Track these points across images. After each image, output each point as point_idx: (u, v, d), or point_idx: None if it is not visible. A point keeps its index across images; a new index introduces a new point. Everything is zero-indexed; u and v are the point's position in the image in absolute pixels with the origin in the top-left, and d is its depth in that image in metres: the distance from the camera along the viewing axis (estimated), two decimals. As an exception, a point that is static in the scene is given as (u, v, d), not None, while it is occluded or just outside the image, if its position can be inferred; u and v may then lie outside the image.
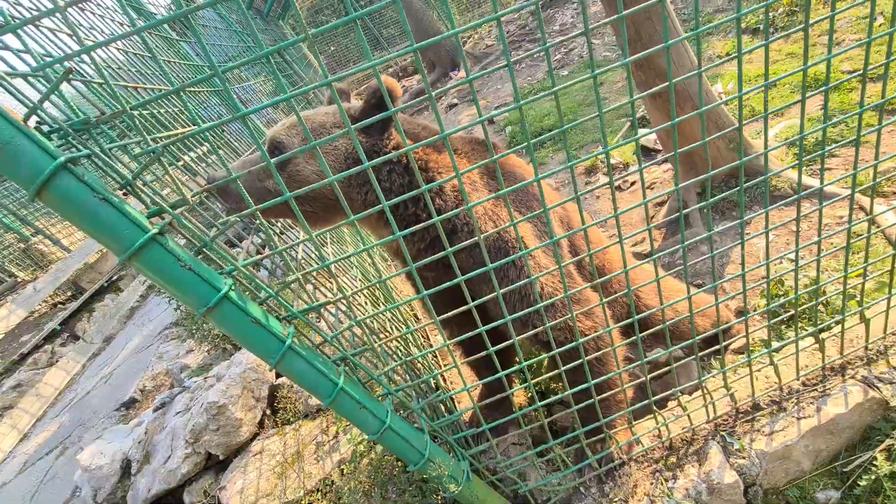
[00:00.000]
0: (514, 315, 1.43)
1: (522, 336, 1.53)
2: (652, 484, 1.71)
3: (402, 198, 1.18)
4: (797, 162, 1.42)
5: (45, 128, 0.96)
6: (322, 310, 1.71)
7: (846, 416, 1.71)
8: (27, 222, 9.32)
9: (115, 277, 8.68)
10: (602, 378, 1.64)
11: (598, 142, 5.74)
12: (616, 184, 5.19)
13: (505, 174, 1.81)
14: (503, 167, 1.85)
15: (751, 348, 2.37)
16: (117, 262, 1.02)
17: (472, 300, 1.35)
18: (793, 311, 1.68)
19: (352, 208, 1.57)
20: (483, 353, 1.49)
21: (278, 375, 3.09)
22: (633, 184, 4.79)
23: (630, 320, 1.80)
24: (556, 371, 1.58)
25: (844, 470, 1.72)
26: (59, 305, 8.65)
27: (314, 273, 1.45)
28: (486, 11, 19.01)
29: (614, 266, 2.23)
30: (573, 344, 1.55)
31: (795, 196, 1.44)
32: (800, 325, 2.28)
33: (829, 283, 1.84)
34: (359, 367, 1.40)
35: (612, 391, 1.76)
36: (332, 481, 2.18)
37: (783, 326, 2.38)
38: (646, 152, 5.07)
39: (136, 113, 0.95)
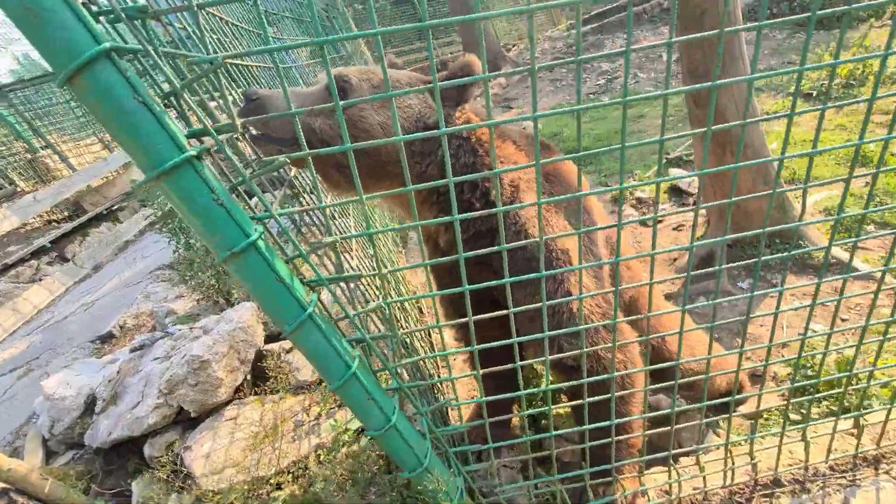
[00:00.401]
0: (552, 333, 1.29)
1: (548, 358, 1.39)
2: (653, 542, 1.58)
3: (470, 177, 1.05)
4: (840, 242, 1.27)
5: (95, 8, 0.82)
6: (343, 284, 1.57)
7: (875, 513, 1.58)
8: (39, 134, 9.14)
9: (115, 207, 8.50)
10: (625, 419, 1.50)
11: (630, 173, 5.62)
12: (642, 217, 5.09)
13: (560, 180, 1.67)
14: (559, 171, 1.72)
15: (769, 418, 2.24)
16: (142, 179, 0.88)
17: (501, 307, 1.22)
18: (822, 392, 1.55)
19: (391, 178, 1.43)
20: (503, 367, 1.35)
21: (267, 340, 2.94)
22: (660, 220, 4.67)
23: (662, 365, 1.66)
24: (575, 402, 1.45)
25: (861, 570, 1.58)
26: (52, 223, 8.48)
27: (340, 242, 1.30)
28: (536, 22, 18.95)
29: (646, 304, 2.11)
30: (604, 377, 1.41)
31: (836, 275, 1.31)
32: (827, 405, 2.16)
33: (865, 370, 1.71)
34: (374, 354, 1.26)
35: (631, 434, 1.63)
36: (307, 466, 2.04)
37: (807, 402, 2.25)
38: (678, 192, 4.95)
39: (201, 13, 0.81)
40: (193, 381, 2.33)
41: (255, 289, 1.02)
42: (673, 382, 1.58)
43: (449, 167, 1.01)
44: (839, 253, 3.57)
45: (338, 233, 1.07)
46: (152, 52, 0.85)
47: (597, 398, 1.44)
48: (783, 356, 2.90)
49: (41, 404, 2.64)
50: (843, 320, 3.07)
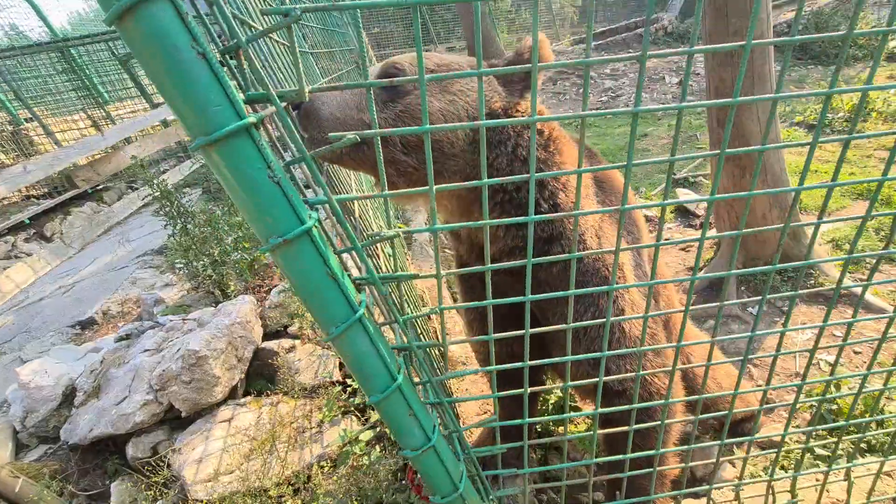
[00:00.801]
0: (611, 353, 1.18)
1: (602, 379, 1.28)
2: (689, 582, 1.47)
3: (549, 174, 0.93)
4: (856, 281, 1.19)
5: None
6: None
7: (921, 562, 1.50)
8: (25, 104, 8.77)
9: (101, 186, 8.16)
10: (657, 451, 1.39)
11: (635, 190, 5.59)
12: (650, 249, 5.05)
13: (613, 189, 1.58)
14: (611, 180, 1.62)
15: (790, 452, 2.17)
16: (192, 145, 0.74)
17: (537, 323, 1.10)
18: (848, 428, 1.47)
19: (445, 175, 1.31)
20: (540, 388, 1.24)
21: (266, 338, 2.77)
22: (666, 239, 4.64)
23: (692, 398, 1.57)
24: (619, 430, 1.34)
25: None
26: (31, 199, 8.09)
27: (402, 236, 1.17)
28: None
29: (676, 325, 2.02)
30: (654, 403, 1.31)
31: (879, 315, 1.22)
32: (850, 442, 2.09)
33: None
34: (420, 365, 1.13)
35: (669, 466, 1.52)
36: (309, 477, 1.88)
37: (832, 437, 2.18)
38: (684, 213, 4.92)
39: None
40: (188, 378, 2.16)
41: (303, 284, 0.89)
42: (713, 415, 1.48)
43: (533, 164, 0.89)
44: (849, 283, 3.56)
45: (374, 228, 0.94)
46: (216, -4, 0.71)
47: (644, 425, 1.33)
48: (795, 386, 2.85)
49: (15, 392, 2.43)
50: (855, 353, 3.04)
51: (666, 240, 4.11)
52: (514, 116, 1.26)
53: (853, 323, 1.24)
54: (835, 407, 2.40)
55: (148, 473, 1.99)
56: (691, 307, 1.27)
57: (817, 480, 1.59)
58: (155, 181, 3.08)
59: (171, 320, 2.78)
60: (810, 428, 1.39)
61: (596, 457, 1.39)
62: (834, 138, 0.96)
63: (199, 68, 0.69)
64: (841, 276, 1.16)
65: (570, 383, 1.24)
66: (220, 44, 0.78)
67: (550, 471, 2.13)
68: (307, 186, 1.07)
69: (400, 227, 0.89)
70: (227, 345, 2.34)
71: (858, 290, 3.46)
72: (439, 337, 2.84)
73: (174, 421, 2.31)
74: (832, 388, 2.48)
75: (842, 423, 1.44)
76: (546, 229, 1.34)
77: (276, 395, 2.36)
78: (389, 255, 2.39)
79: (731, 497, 1.59)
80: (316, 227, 0.88)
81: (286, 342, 2.69)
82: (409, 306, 1.94)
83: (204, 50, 0.69)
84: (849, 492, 1.58)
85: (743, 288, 3.69)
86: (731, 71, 3.08)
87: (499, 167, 1.27)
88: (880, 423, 2.16)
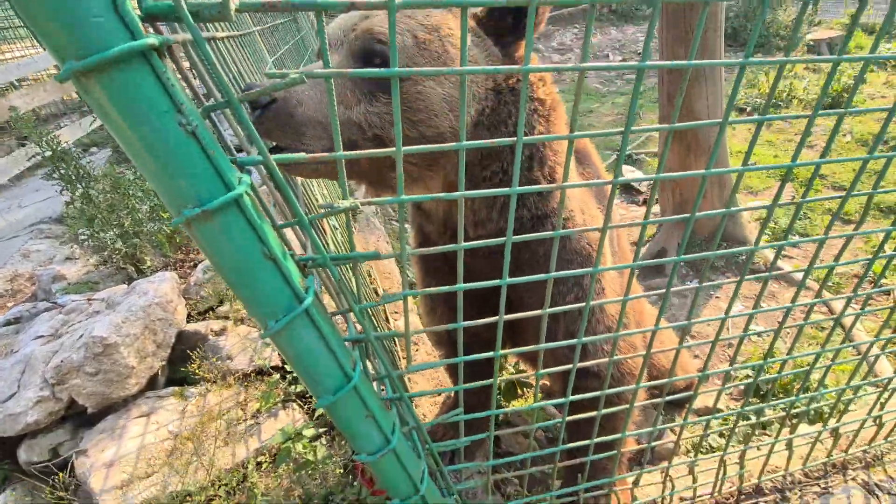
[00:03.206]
0: (589, 339, 1.09)
1: (563, 368, 1.19)
2: (645, 559, 1.47)
3: (541, 137, 0.78)
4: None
5: None
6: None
7: (847, 521, 1.61)
8: None
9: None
10: (623, 434, 1.35)
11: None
12: (623, 233, 5.13)
13: (589, 161, 1.47)
14: (587, 151, 1.52)
15: (726, 420, 2.28)
16: (60, 73, 0.51)
17: (509, 309, 0.99)
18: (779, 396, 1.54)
19: (441, 163, 1.12)
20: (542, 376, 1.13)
21: (191, 320, 2.47)
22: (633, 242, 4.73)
23: (660, 382, 1.55)
24: (589, 415, 1.28)
25: (830, 576, 1.61)
26: None
27: (360, 208, 0.98)
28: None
29: (640, 315, 2.03)
30: (625, 389, 1.25)
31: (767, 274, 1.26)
32: (781, 409, 2.22)
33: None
34: (377, 358, 0.97)
35: (629, 447, 1.50)
36: (245, 476, 1.69)
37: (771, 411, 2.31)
38: (628, 189, 5.04)
39: None
40: (93, 370, 1.85)
41: (231, 267, 0.69)
42: (676, 397, 1.47)
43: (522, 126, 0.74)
44: (771, 257, 3.82)
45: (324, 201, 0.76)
46: None
47: (613, 409, 1.28)
48: (727, 354, 3.03)
49: None
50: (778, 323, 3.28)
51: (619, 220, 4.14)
52: (516, 89, 1.09)
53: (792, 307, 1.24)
54: (785, 381, 2.55)
55: (47, 480, 1.70)
56: (643, 285, 1.21)
57: (759, 451, 1.65)
58: (45, 138, 2.57)
59: (72, 300, 2.39)
60: (763, 405, 1.41)
61: (553, 442, 1.33)
62: (792, 115, 0.90)
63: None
64: (774, 260, 1.14)
65: (543, 371, 1.14)
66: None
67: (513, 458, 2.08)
68: (239, 150, 0.85)
69: (357, 199, 0.71)
70: (144, 329, 2.04)
71: (788, 270, 3.71)
72: (395, 325, 2.68)
73: (79, 417, 2.00)
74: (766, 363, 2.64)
75: (780, 400, 1.47)
76: (539, 206, 1.21)
77: (204, 385, 2.10)
78: (335, 229, 2.17)
79: (685, 471, 1.61)
80: (248, 193, 0.67)
81: (215, 324, 2.41)
82: (363, 291, 1.76)
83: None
84: (789, 459, 1.65)
85: (682, 264, 3.85)
86: (683, 48, 3.08)
87: (500, 150, 1.11)
88: (815, 396, 2.33)
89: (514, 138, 0.74)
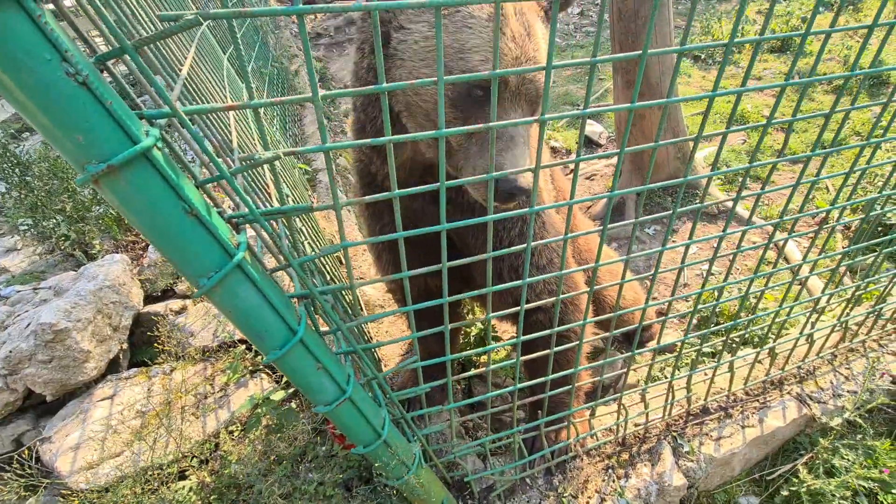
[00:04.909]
0: (534, 279, 1.13)
1: (510, 310, 1.23)
2: (604, 481, 1.59)
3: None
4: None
5: None
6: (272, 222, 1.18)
7: (783, 430, 1.76)
8: None
9: None
10: (576, 369, 1.43)
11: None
12: (558, 169, 5.20)
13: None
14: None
15: (692, 357, 2.43)
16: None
17: (459, 256, 1.02)
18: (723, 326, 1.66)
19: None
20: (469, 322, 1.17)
21: (148, 301, 2.41)
22: (570, 171, 4.79)
23: (606, 316, 1.63)
24: (540, 354, 1.34)
25: (768, 478, 1.78)
26: None
27: (281, 162, 0.96)
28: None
29: (591, 253, 2.09)
30: (574, 325, 1.31)
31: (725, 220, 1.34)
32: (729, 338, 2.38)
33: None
34: (325, 312, 0.98)
35: (585, 381, 1.59)
36: (217, 445, 1.71)
37: (714, 337, 2.46)
38: (588, 143, 5.09)
39: None
40: (46, 357, 1.80)
41: (151, 225, 0.68)
42: (622, 331, 1.54)
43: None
44: (728, 204, 3.97)
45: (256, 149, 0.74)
46: None
47: (563, 347, 1.35)
48: (682, 292, 3.18)
49: None
50: (729, 261, 3.46)
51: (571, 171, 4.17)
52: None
53: (723, 237, 1.30)
54: (719, 310, 2.70)
55: (11, 470, 1.67)
56: (597, 229, 1.26)
57: (706, 375, 1.77)
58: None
59: (17, 291, 2.29)
60: (704, 331, 1.50)
61: (518, 381, 1.39)
62: (730, 90, 0.92)
63: None
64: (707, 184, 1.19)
65: (493, 314, 1.18)
66: None
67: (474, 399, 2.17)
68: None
69: (280, 150, 0.70)
70: (97, 313, 1.98)
71: (730, 204, 3.87)
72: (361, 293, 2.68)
73: (40, 407, 1.96)
74: (715, 296, 2.79)
75: (726, 324, 1.57)
76: None
77: (169, 363, 2.08)
78: (294, 188, 2.12)
79: (637, 399, 1.72)
80: (158, 148, 0.65)
81: (175, 303, 2.37)
82: (311, 247, 1.74)
83: None
84: (731, 380, 1.78)
85: (641, 210, 3.96)
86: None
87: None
88: (755, 321, 2.49)
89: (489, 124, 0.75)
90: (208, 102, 1.46)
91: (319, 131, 0.74)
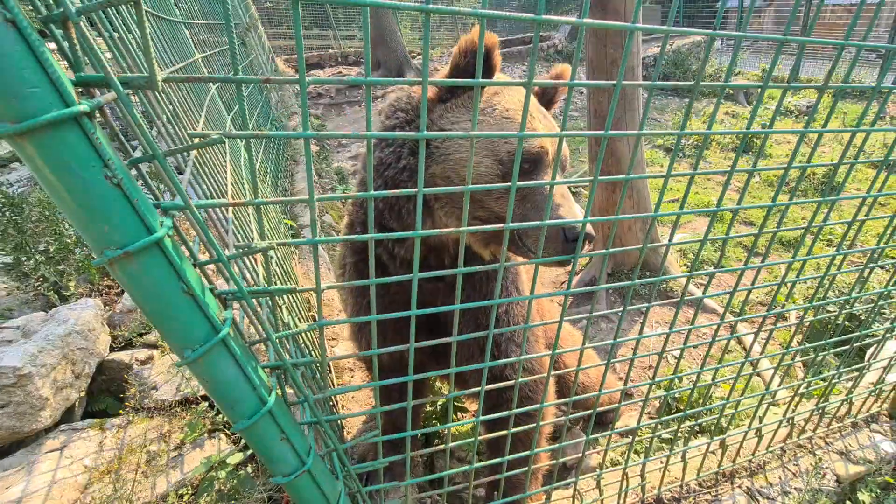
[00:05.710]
0: (492, 363, 1.22)
1: (472, 391, 1.32)
2: (556, 570, 1.58)
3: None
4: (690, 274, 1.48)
5: None
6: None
7: (732, 525, 1.80)
8: None
9: None
10: (532, 451, 1.48)
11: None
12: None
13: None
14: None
15: (641, 437, 2.49)
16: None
17: (446, 325, 1.12)
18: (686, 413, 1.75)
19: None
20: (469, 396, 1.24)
21: (114, 349, 2.39)
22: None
23: (564, 400, 1.71)
24: (499, 433, 1.40)
25: (718, 576, 1.79)
26: None
27: (275, 249, 1.07)
28: (441, 35, 19.44)
29: (553, 332, 2.20)
30: (532, 408, 1.39)
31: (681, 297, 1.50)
32: (689, 426, 2.45)
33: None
34: (295, 385, 1.05)
35: (542, 463, 1.63)
36: (165, 509, 1.66)
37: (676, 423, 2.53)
38: (564, 222, 5.37)
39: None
40: (2, 402, 1.76)
41: (151, 302, 0.76)
42: (584, 414, 1.61)
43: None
44: (693, 289, 4.20)
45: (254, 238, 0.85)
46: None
47: (524, 427, 1.41)
48: (649, 377, 3.27)
49: None
50: (693, 347, 3.60)
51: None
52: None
53: (691, 329, 1.44)
54: (678, 396, 2.80)
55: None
56: (568, 312, 1.38)
57: (661, 463, 1.83)
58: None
59: (-19, 329, 2.25)
60: (662, 418, 1.59)
61: (477, 459, 1.43)
62: (684, 172, 1.10)
63: (3, 33, 0.55)
64: (685, 288, 1.33)
65: (455, 393, 1.26)
66: (42, 10, 0.63)
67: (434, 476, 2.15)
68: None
69: (273, 241, 0.81)
70: (62, 359, 1.96)
71: (697, 292, 4.09)
72: (331, 352, 2.71)
73: (-17, 455, 1.88)
74: (676, 382, 2.89)
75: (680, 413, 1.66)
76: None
77: (126, 416, 2.04)
78: (271, 258, 2.21)
79: (593, 485, 1.76)
80: (169, 236, 0.75)
81: (141, 353, 2.35)
82: (292, 315, 1.81)
83: (14, 15, 0.55)
84: (684, 470, 1.84)
85: (611, 291, 4.14)
86: (606, 96, 3.43)
87: None
88: (710, 411, 2.58)
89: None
90: (208, 161, 1.59)
91: (311, 229, 0.86)
